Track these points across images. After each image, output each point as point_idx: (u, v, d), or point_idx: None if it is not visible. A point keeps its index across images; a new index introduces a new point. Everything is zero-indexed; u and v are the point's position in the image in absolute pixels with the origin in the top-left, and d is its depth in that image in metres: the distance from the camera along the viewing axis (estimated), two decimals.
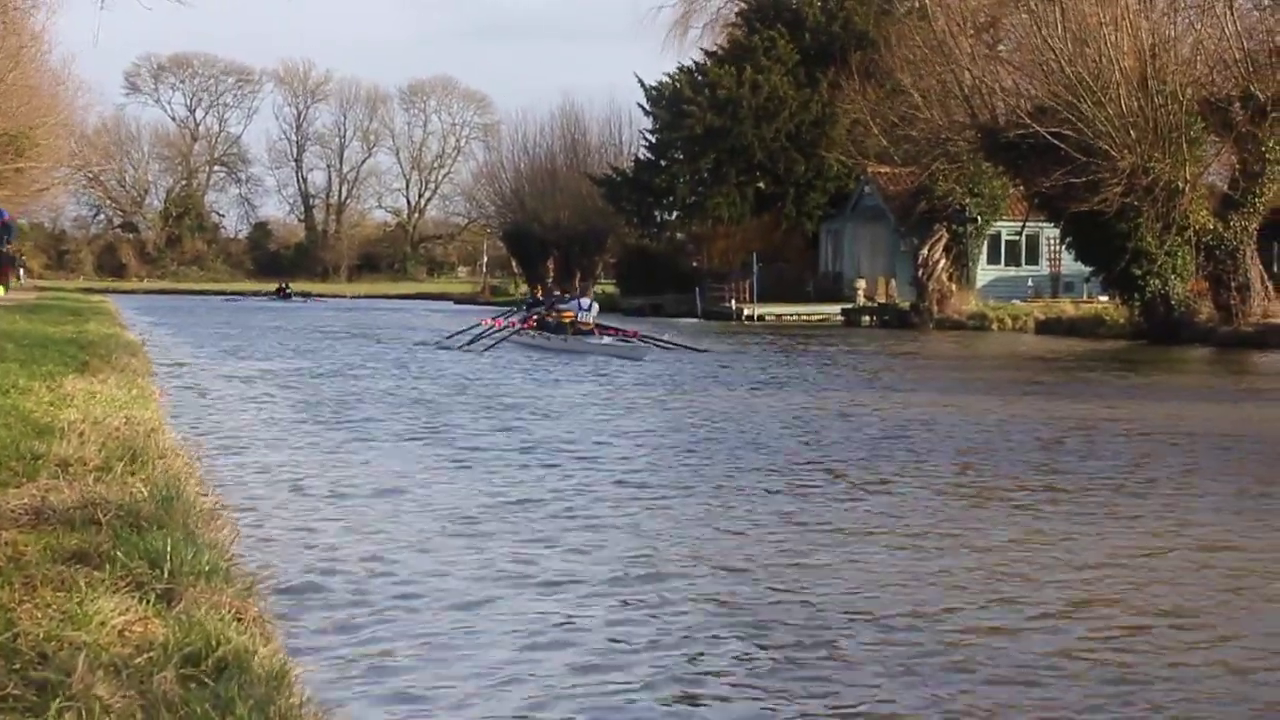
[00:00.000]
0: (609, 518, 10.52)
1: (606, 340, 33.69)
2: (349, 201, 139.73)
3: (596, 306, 36.31)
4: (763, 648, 6.98)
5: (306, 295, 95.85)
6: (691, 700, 6.20)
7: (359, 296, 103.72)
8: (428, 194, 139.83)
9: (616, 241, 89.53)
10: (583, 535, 9.81)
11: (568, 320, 34.95)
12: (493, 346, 33.72)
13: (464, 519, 10.40)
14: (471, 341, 34.67)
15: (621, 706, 6.10)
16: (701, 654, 6.85)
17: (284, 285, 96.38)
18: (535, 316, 37.32)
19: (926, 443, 15.41)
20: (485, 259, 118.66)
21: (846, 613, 7.64)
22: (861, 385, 24.20)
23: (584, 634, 7.17)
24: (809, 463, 13.68)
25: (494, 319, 37.87)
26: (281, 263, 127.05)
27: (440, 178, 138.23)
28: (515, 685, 6.33)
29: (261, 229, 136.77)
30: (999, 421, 17.58)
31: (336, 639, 6.96)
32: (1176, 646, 7.02)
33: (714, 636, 7.16)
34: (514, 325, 36.57)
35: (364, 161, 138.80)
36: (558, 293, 42.24)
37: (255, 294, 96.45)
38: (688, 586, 8.26)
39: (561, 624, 7.34)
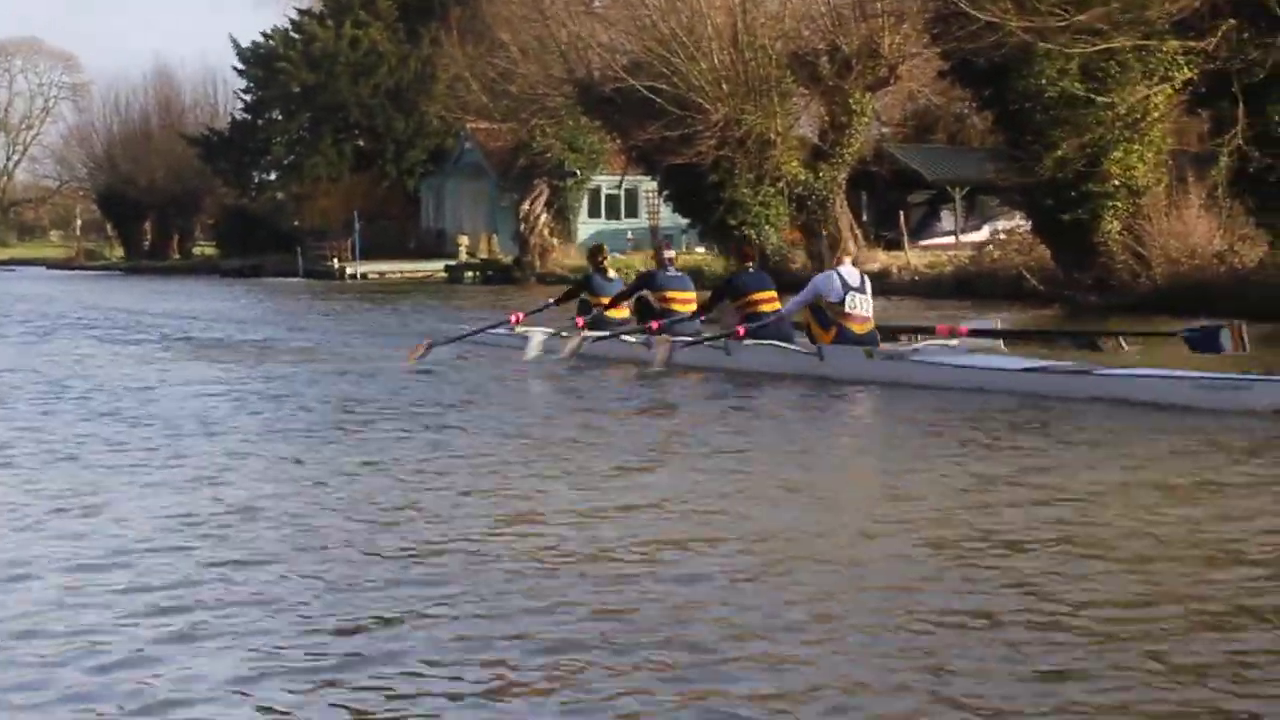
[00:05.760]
0: None
1: (982, 361, 15.28)
2: None
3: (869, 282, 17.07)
4: None
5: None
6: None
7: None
8: (16, 156, 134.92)
9: (215, 202, 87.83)
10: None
11: (749, 312, 17.52)
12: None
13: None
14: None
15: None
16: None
17: None
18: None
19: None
20: (79, 222, 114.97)
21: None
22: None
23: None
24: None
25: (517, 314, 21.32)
26: None
27: (29, 140, 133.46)
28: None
29: None
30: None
31: None
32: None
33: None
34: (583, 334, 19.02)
35: None
36: (668, 256, 20.16)
37: None
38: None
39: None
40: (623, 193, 61.76)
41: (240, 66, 74.17)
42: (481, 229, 62.74)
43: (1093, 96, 27.25)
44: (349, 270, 60.62)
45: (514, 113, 53.33)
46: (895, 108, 56.00)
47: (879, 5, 37.84)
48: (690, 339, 17.95)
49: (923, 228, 52.35)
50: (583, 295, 20.56)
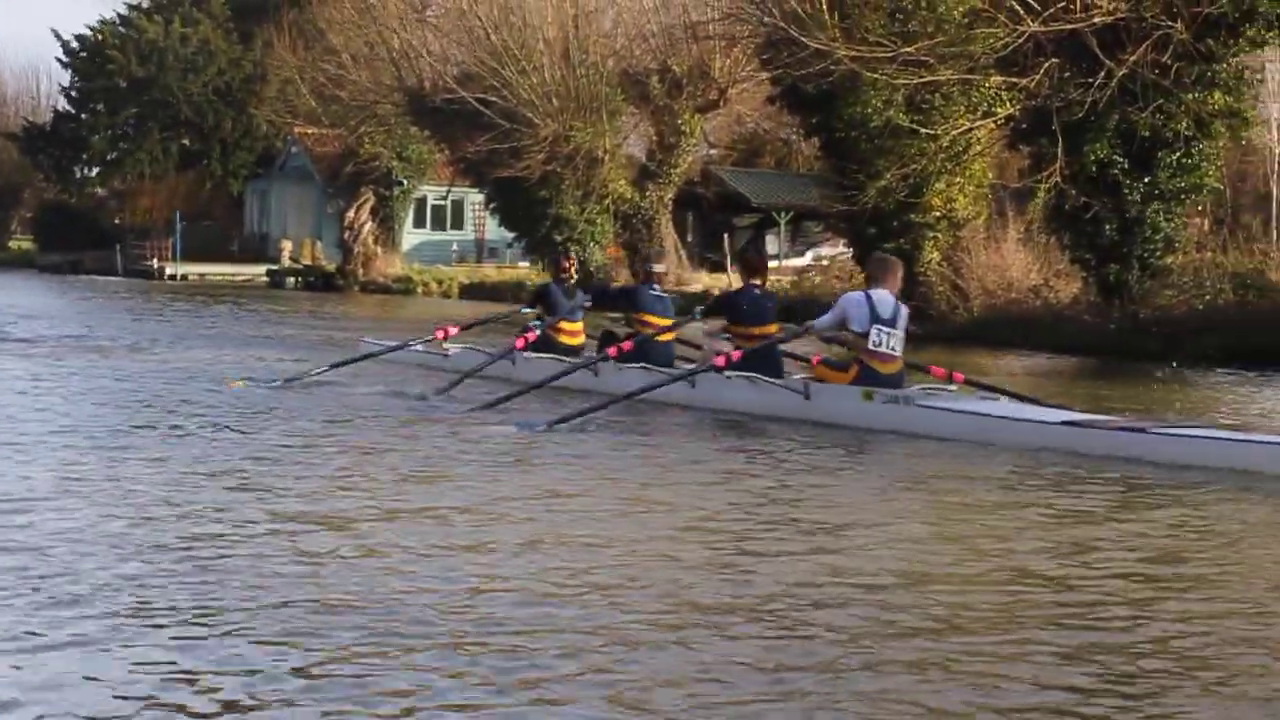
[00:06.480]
0: None
1: (1014, 410, 12.46)
2: None
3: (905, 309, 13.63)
4: None
5: None
6: None
7: None
8: None
9: (35, 196, 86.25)
10: None
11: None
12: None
13: None
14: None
15: None
16: None
17: None
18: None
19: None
20: None
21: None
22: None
23: None
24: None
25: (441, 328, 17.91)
26: None
27: None
28: None
29: None
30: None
31: None
32: None
33: None
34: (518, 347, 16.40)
35: None
36: (657, 271, 17.36)
37: None
38: None
39: None
40: (449, 204, 61.60)
41: (64, 58, 72.92)
42: (306, 235, 62.16)
43: (917, 128, 27.52)
44: (169, 270, 59.83)
45: (343, 119, 52.85)
46: (724, 131, 56.47)
47: (711, 28, 38.04)
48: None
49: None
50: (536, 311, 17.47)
